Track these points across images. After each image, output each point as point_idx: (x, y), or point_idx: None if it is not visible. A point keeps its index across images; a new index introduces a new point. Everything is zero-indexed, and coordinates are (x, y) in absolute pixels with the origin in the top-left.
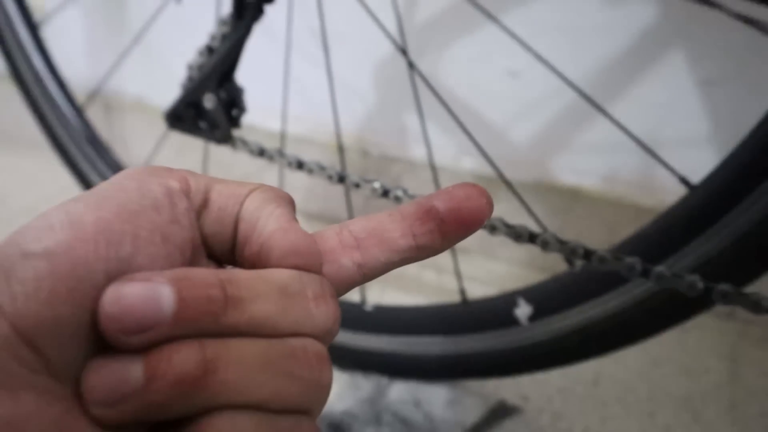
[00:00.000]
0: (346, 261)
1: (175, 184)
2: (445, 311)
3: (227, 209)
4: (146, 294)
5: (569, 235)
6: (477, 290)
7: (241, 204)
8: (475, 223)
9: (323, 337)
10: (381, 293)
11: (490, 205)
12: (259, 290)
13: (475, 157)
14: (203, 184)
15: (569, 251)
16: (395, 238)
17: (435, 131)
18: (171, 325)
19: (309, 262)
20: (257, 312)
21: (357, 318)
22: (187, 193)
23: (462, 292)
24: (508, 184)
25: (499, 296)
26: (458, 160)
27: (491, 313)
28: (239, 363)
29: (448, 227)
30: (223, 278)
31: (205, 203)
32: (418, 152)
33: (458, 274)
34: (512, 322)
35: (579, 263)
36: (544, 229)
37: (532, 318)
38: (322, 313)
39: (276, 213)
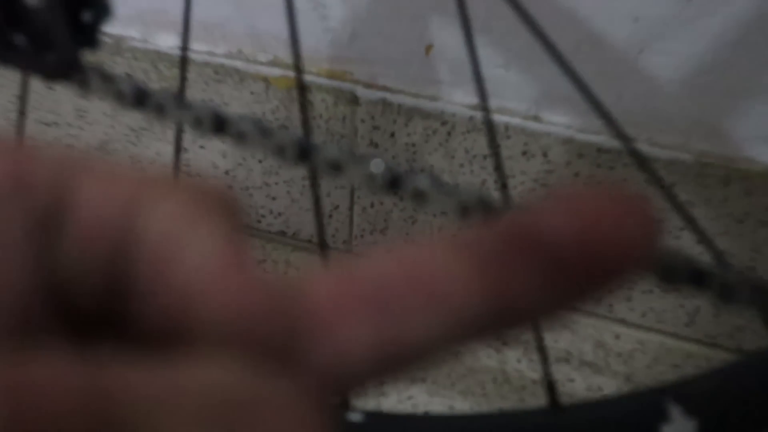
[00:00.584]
0: (353, 334)
1: None
2: (514, 426)
3: (108, 224)
4: None
5: None
6: (578, 383)
7: (138, 214)
8: (627, 266)
9: None
10: (379, 385)
11: (655, 237)
12: (170, 413)
13: (571, 110)
14: (56, 170)
15: None
16: (455, 289)
17: (491, 60)
18: None
19: (274, 343)
20: None
21: None
22: (22, 187)
23: (549, 385)
24: (645, 167)
25: (626, 399)
26: (537, 118)
27: None
28: None
29: (571, 271)
30: (98, 386)
31: (60, 210)
32: (457, 101)
33: (542, 349)
34: None
35: None
36: (720, 256)
37: None
38: None
39: (210, 236)
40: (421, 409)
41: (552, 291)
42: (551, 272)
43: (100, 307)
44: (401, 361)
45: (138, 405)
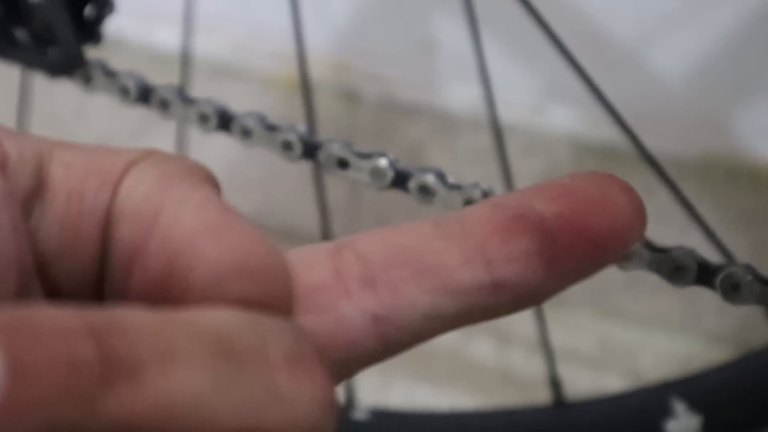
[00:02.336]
0: (351, 309)
1: None
2: (520, 422)
3: (87, 198)
4: None
5: None
6: (584, 381)
7: (116, 186)
8: (615, 246)
9: None
10: (384, 384)
11: (642, 215)
12: (173, 347)
13: (577, 106)
14: (34, 151)
15: None
16: (450, 266)
17: (496, 55)
18: None
19: (271, 293)
20: (172, 389)
21: None
22: (1, 167)
23: (554, 383)
24: (652, 163)
25: (631, 395)
26: (543, 114)
27: (616, 429)
28: None
29: (561, 249)
30: (97, 323)
31: (38, 189)
32: (461, 97)
33: (545, 347)
34: None
35: None
36: (727, 253)
37: None
38: (300, 391)
39: (194, 198)
40: (427, 404)
41: (541, 265)
42: (542, 247)
43: (82, 281)
44: (397, 338)
45: (139, 331)
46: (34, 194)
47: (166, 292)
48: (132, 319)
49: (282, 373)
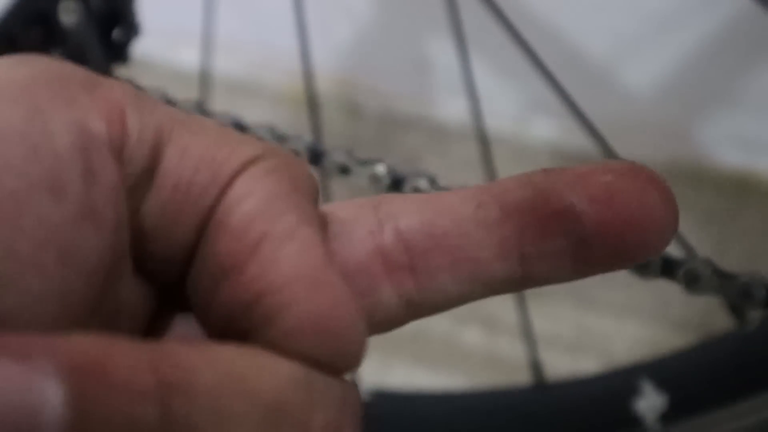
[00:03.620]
0: (389, 294)
1: (98, 125)
2: (505, 401)
3: (193, 192)
4: (20, 389)
5: (733, 260)
6: (563, 364)
7: (224, 188)
8: (642, 257)
9: None
10: (383, 365)
11: (675, 226)
12: (229, 414)
13: (556, 118)
14: (154, 128)
15: (738, 292)
16: (486, 259)
17: (483, 72)
18: None
19: (339, 357)
20: None
21: None
22: (119, 144)
23: (536, 366)
24: None
25: (604, 376)
26: (525, 125)
27: (590, 407)
28: None
29: (592, 256)
30: (165, 375)
31: (149, 172)
32: (452, 110)
33: (528, 333)
34: (629, 422)
35: (755, 316)
36: (690, 250)
37: (667, 417)
38: None
39: (298, 237)
40: (423, 385)
41: (570, 263)
42: (575, 247)
43: (168, 258)
44: (422, 312)
45: (203, 404)
46: (144, 177)
47: (246, 323)
48: (198, 376)
49: None
